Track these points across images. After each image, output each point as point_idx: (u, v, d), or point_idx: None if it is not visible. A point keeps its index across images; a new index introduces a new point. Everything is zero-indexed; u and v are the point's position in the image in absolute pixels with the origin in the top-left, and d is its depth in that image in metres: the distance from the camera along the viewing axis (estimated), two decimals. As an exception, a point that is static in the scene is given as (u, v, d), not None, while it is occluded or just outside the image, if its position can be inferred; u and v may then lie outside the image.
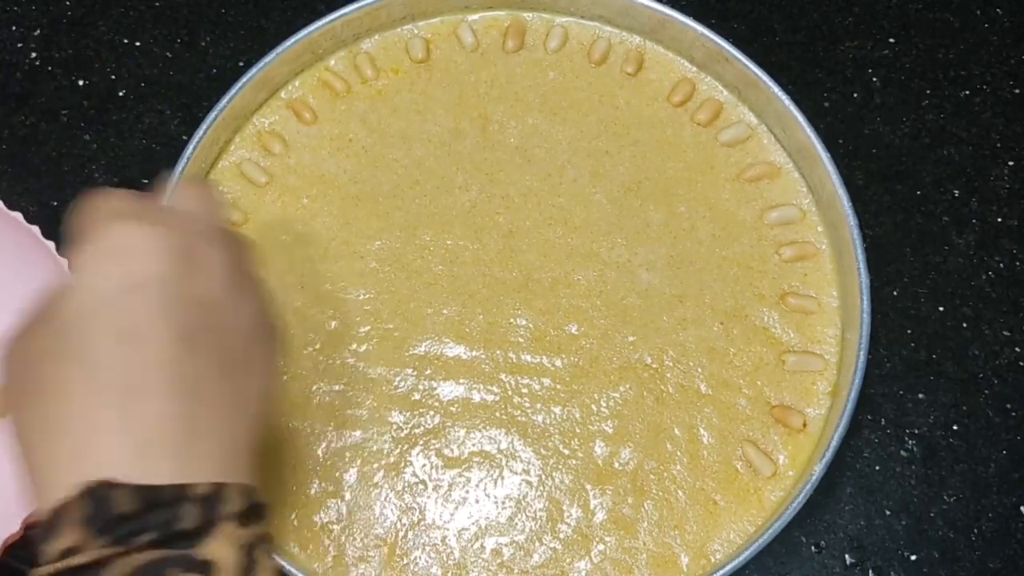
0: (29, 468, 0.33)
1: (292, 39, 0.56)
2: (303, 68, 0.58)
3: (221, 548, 0.31)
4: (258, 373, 0.36)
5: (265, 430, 0.36)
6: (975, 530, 0.52)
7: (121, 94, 0.62)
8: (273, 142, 0.57)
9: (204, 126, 0.54)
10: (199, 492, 0.31)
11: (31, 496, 0.33)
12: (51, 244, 0.49)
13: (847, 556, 0.52)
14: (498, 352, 0.52)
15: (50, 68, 0.62)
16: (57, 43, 0.63)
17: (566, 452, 0.51)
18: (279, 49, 0.56)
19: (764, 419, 0.51)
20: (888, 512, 0.53)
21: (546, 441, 0.51)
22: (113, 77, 0.62)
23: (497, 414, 0.51)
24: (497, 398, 0.52)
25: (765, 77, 0.55)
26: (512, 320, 0.53)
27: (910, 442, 0.54)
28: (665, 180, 0.56)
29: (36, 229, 0.50)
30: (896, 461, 0.54)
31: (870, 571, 0.52)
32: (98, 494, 0.30)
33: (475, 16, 0.60)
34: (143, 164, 0.60)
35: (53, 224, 0.58)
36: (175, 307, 0.33)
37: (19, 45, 0.63)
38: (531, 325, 0.53)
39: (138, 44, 0.63)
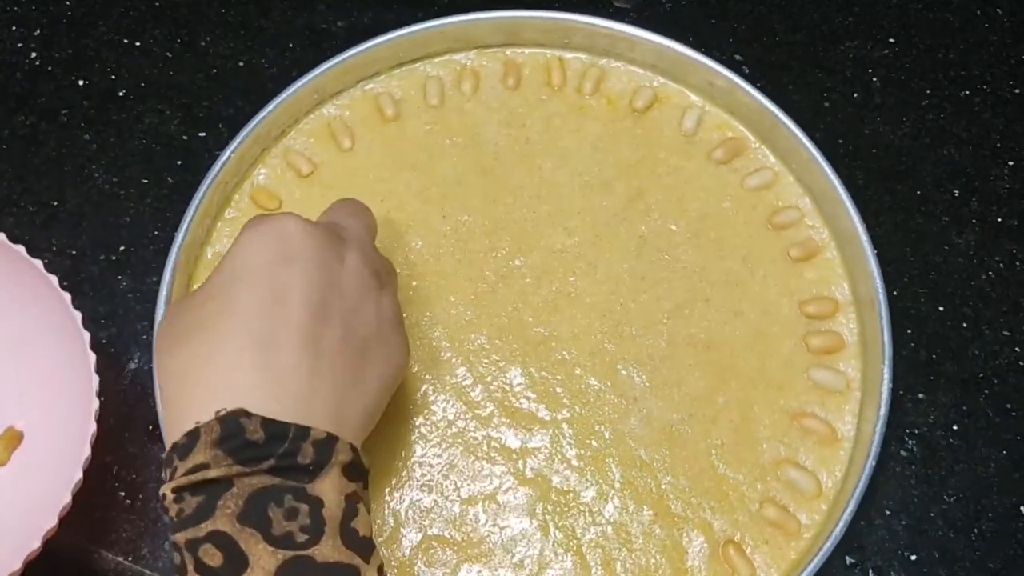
0: (168, 400, 0.38)
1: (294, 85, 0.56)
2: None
3: (328, 490, 0.36)
4: (376, 362, 0.41)
5: (377, 417, 0.42)
6: (975, 530, 0.52)
7: (121, 94, 0.62)
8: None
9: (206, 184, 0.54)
10: (317, 437, 0.36)
11: (166, 425, 0.38)
12: (39, 262, 0.49)
13: (847, 556, 0.52)
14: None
15: (50, 68, 0.62)
16: (57, 43, 0.63)
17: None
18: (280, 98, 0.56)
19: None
20: (888, 512, 0.53)
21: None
22: (113, 77, 0.62)
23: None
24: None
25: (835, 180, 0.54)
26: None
27: (910, 442, 0.54)
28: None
29: (21, 248, 0.49)
30: (896, 461, 0.54)
31: (870, 571, 0.52)
32: (231, 420, 0.35)
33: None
34: (143, 164, 0.60)
35: (53, 224, 0.58)
36: (316, 285, 0.39)
37: (19, 45, 0.63)
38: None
39: (138, 44, 0.63)
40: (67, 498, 0.44)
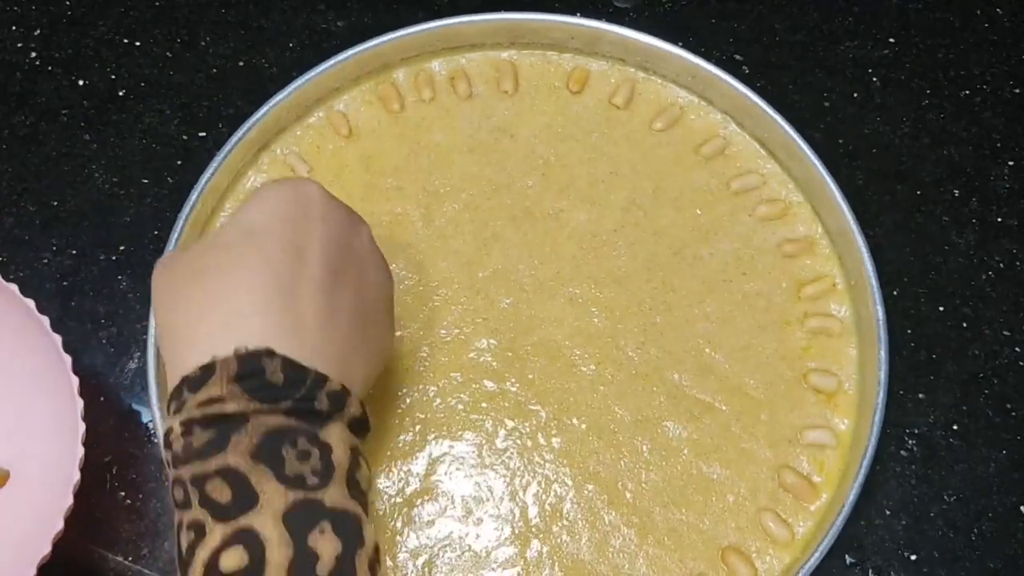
0: (175, 331, 0.38)
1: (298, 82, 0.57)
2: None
3: (336, 439, 0.37)
4: (374, 336, 0.42)
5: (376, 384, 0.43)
6: (975, 530, 0.52)
7: (121, 94, 0.62)
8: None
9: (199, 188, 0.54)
10: (332, 388, 0.37)
11: (171, 356, 0.38)
12: (31, 302, 0.48)
13: (847, 556, 0.52)
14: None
15: (50, 68, 0.62)
16: (57, 43, 0.63)
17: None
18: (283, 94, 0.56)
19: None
20: (888, 512, 0.53)
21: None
22: (113, 77, 0.62)
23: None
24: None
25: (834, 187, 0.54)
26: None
27: (910, 442, 0.54)
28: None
29: (31, 303, 0.48)
30: (896, 461, 0.54)
31: (870, 571, 0.52)
32: (251, 359, 0.35)
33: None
34: (143, 164, 0.60)
35: (53, 224, 0.58)
36: (335, 246, 0.40)
37: (19, 45, 0.63)
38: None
39: (138, 44, 0.63)
40: (46, 549, 0.44)
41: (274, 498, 0.34)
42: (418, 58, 0.59)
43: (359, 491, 0.37)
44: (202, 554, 0.34)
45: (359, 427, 0.39)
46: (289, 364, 0.36)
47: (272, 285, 0.37)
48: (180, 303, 0.38)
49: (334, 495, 0.35)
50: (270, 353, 0.36)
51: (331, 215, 0.41)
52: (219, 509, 0.34)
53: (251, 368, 0.35)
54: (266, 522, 0.34)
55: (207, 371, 0.35)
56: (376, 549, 0.36)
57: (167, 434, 0.36)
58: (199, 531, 0.34)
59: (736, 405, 0.52)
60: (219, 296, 0.37)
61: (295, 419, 0.36)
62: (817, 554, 0.47)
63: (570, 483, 0.50)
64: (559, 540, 0.49)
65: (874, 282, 0.52)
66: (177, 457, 0.35)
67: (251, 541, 0.34)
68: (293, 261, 0.38)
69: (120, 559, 0.51)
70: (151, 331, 0.51)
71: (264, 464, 0.34)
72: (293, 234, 0.39)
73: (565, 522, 0.49)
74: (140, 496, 0.52)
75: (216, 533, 0.34)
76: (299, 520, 0.34)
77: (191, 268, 0.39)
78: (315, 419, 0.36)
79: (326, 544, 0.34)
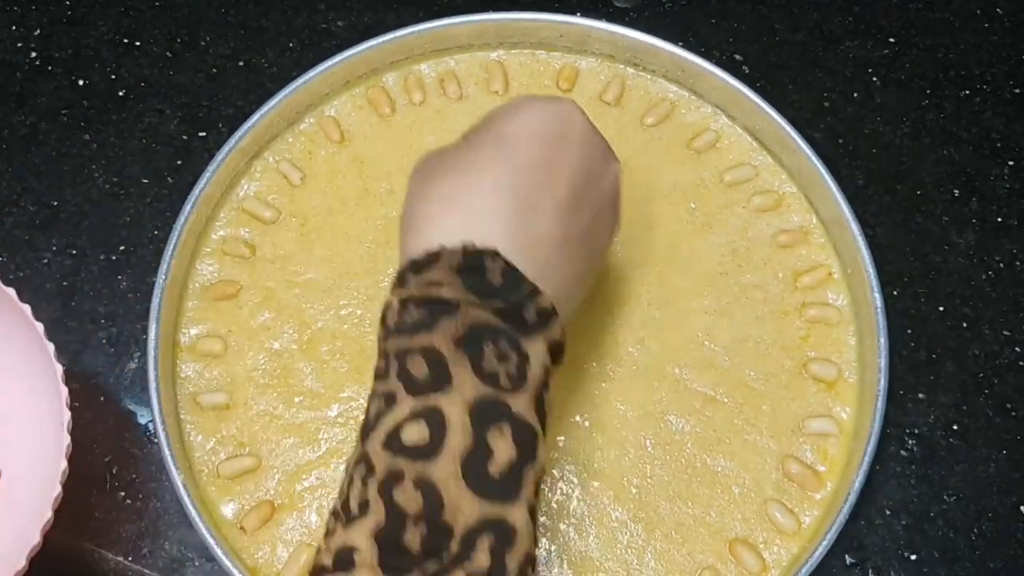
0: (415, 218, 0.40)
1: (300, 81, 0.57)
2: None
3: (534, 353, 0.37)
4: (592, 272, 0.43)
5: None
6: (975, 530, 0.52)
7: (121, 94, 0.62)
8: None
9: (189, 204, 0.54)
10: (544, 304, 0.37)
11: (406, 240, 0.39)
12: (27, 307, 0.47)
13: (847, 556, 0.52)
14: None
15: (50, 68, 0.62)
16: (57, 43, 0.63)
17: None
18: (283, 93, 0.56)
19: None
20: (888, 512, 0.53)
21: None
22: (113, 77, 0.62)
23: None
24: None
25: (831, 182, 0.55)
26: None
27: (910, 442, 0.54)
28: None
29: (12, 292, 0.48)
30: (896, 461, 0.54)
31: (870, 571, 0.52)
32: (476, 256, 0.37)
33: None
34: (143, 164, 0.60)
35: (53, 224, 0.58)
36: (584, 173, 0.41)
37: (19, 45, 0.63)
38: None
39: (138, 44, 0.63)
40: (36, 539, 0.43)
41: (465, 387, 0.35)
42: (407, 61, 0.59)
43: (543, 412, 0.37)
44: (387, 422, 0.35)
45: (557, 352, 0.38)
46: (509, 269, 0.37)
47: (513, 193, 0.38)
48: (428, 195, 0.40)
49: (521, 404, 0.35)
50: (494, 254, 0.37)
51: (588, 143, 0.41)
52: (413, 384, 0.35)
53: (474, 264, 0.37)
54: (453, 407, 0.34)
55: (432, 257, 0.37)
56: (543, 470, 0.36)
57: (385, 308, 0.38)
58: (389, 401, 0.35)
59: (738, 397, 0.52)
60: (460, 191, 0.39)
61: (502, 320, 0.36)
62: (825, 542, 0.47)
63: (575, 480, 0.50)
64: (567, 538, 0.49)
65: (870, 269, 0.52)
66: (388, 331, 0.37)
67: (435, 420, 0.34)
68: (539, 177, 0.39)
69: (120, 559, 0.51)
70: (151, 331, 0.51)
71: (464, 353, 0.35)
72: (546, 151, 0.40)
73: (572, 520, 0.49)
74: (140, 496, 0.52)
75: (405, 405, 0.35)
76: (483, 415, 0.35)
77: (446, 166, 0.41)
78: (521, 327, 0.37)
79: (503, 446, 0.34)
